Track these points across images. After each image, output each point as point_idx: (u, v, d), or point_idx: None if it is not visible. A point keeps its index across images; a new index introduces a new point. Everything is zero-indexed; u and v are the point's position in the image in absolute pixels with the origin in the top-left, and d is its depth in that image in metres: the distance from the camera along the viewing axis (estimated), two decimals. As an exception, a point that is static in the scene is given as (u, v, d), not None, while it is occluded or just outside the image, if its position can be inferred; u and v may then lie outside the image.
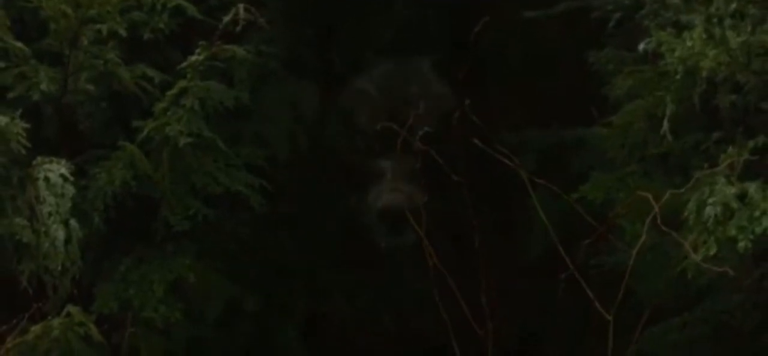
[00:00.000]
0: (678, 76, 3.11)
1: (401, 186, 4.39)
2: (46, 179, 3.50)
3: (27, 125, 3.51)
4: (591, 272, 3.41)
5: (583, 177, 3.39)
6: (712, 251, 2.98)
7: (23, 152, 3.51)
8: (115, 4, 3.62)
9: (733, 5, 3.08)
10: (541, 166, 3.65)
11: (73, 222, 3.51)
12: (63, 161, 3.54)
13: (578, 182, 3.40)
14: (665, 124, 3.08)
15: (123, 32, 3.64)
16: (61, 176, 3.50)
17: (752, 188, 3.00)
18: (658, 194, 3.11)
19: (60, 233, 3.50)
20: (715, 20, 3.10)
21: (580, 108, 3.55)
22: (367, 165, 4.50)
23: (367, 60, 4.64)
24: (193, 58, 3.57)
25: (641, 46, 3.27)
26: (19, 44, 3.58)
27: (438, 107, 4.34)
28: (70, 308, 3.45)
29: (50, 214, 3.50)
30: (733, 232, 2.96)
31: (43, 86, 3.56)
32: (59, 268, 3.51)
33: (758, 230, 2.92)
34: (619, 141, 3.34)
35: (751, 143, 3.08)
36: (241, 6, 3.55)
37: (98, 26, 3.65)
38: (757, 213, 2.95)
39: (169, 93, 3.61)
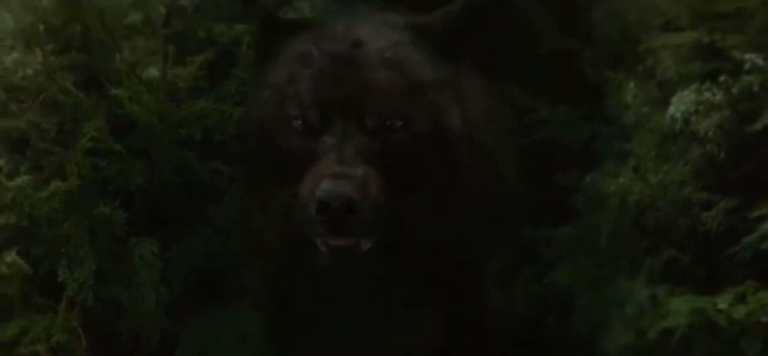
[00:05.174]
0: (613, 205, 3.71)
1: (350, 160, 3.14)
2: (140, 256, 4.01)
3: (125, 215, 3.97)
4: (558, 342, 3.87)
5: (552, 266, 3.93)
6: (629, 340, 3.58)
7: (122, 235, 4.01)
8: (193, 114, 4.09)
9: (653, 153, 3.69)
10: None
11: (161, 289, 4.02)
12: (152, 241, 4.03)
13: (548, 270, 3.92)
14: (603, 241, 3.72)
15: (198, 135, 4.10)
16: (152, 253, 4.02)
17: (660, 291, 3.57)
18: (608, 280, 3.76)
19: (151, 298, 4.00)
20: (641, 162, 3.69)
21: (549, 212, 4.05)
22: (307, 149, 3.23)
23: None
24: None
25: (587, 179, 3.82)
26: (118, 147, 4.01)
27: (406, 76, 3.24)
28: (161, 358, 3.97)
29: (143, 283, 4.00)
30: (644, 326, 3.56)
31: (138, 181, 4.03)
32: (151, 326, 4.02)
33: (663, 325, 3.49)
34: (578, 242, 3.90)
35: (666, 253, 3.63)
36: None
37: (179, 130, 4.09)
38: (663, 311, 3.52)
39: (235, 186, 4.20)
